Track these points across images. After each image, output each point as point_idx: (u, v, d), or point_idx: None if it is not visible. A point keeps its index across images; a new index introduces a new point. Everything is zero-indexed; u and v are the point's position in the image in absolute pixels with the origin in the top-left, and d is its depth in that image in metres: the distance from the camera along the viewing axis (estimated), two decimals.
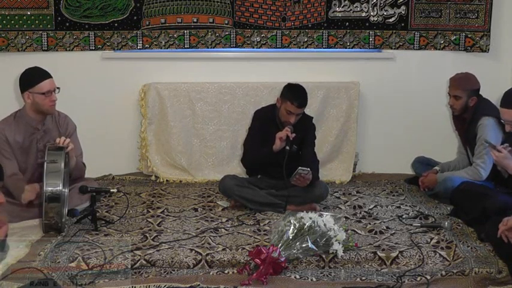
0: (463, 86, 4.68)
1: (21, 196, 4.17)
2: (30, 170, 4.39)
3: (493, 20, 5.27)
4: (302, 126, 4.68)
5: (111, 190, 4.40)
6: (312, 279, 3.61)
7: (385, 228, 4.27)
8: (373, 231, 4.22)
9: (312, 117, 4.89)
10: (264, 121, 4.74)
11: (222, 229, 4.24)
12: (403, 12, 5.34)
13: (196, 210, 4.64)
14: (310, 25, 5.35)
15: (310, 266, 3.76)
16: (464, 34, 5.33)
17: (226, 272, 3.68)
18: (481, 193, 4.12)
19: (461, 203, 4.31)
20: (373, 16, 5.35)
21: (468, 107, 4.69)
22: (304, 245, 3.75)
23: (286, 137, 4.49)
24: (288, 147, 4.49)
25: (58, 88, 4.31)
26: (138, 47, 5.28)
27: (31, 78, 4.27)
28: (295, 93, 4.58)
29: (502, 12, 5.32)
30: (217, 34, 5.31)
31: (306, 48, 5.39)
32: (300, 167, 4.41)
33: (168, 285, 3.50)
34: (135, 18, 5.23)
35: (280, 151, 4.50)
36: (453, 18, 5.33)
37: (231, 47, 5.36)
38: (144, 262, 3.73)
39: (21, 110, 4.39)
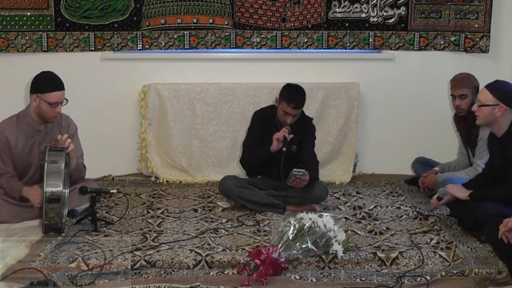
0: (467, 84, 4.70)
1: (23, 191, 4.20)
2: (32, 172, 4.38)
3: (493, 20, 5.27)
4: (302, 127, 4.68)
5: (111, 191, 4.42)
6: (311, 280, 3.60)
7: (385, 228, 4.28)
8: (373, 232, 4.22)
9: (312, 118, 4.89)
10: (263, 121, 4.74)
11: (222, 230, 4.24)
12: (402, 13, 5.34)
13: (196, 210, 4.64)
14: (310, 26, 5.35)
15: (310, 267, 3.75)
16: (464, 35, 5.33)
17: (226, 272, 3.67)
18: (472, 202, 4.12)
19: (455, 212, 4.31)
20: (373, 17, 5.35)
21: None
22: (304, 246, 3.75)
23: (283, 138, 4.50)
24: (284, 148, 4.49)
25: (66, 100, 4.32)
26: (138, 48, 5.28)
27: (44, 84, 4.26)
28: (292, 94, 4.58)
29: (502, 13, 5.32)
30: (217, 35, 5.31)
31: (305, 49, 5.39)
32: (294, 169, 4.42)
33: (168, 285, 3.50)
34: (135, 19, 5.23)
35: (277, 152, 4.51)
36: (453, 19, 5.33)
37: (231, 48, 5.36)
38: (144, 263, 3.73)
39: (25, 111, 4.39)
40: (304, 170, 4.43)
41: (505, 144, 3.98)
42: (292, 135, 4.53)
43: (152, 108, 5.34)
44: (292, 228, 3.81)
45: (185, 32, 5.30)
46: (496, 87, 4.00)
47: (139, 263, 3.72)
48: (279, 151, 4.51)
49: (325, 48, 5.40)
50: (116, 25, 5.23)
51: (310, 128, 4.81)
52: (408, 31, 5.37)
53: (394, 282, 3.60)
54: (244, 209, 4.60)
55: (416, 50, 5.41)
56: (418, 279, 3.61)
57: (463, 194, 4.12)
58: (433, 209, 4.50)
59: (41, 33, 5.17)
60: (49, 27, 5.17)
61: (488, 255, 3.79)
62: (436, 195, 4.30)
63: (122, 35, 5.25)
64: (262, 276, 3.57)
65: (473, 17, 5.29)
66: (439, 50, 5.40)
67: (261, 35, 5.34)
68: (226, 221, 4.40)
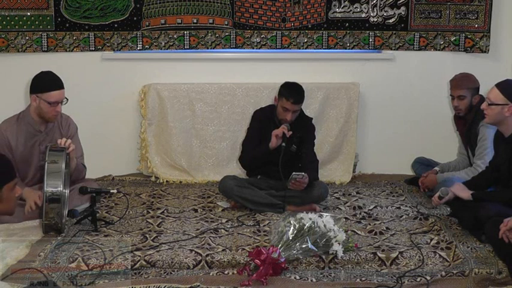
0: (466, 85, 4.70)
1: (23, 191, 4.16)
2: (32, 172, 4.39)
3: (493, 20, 5.27)
4: (302, 127, 4.69)
5: (111, 191, 4.42)
6: (311, 280, 3.61)
7: (385, 228, 4.28)
8: (373, 232, 4.22)
9: (312, 118, 4.90)
10: (263, 121, 4.75)
11: (222, 230, 4.24)
12: (402, 13, 5.34)
13: (196, 211, 4.64)
14: (310, 26, 5.35)
15: (310, 267, 3.75)
16: (464, 35, 5.33)
17: (226, 272, 3.67)
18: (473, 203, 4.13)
19: (456, 212, 4.31)
20: (373, 17, 5.35)
21: (472, 106, 4.69)
22: (304, 246, 3.75)
23: (282, 134, 4.50)
24: (284, 144, 4.50)
25: (66, 99, 4.32)
26: (138, 48, 5.28)
27: (43, 83, 4.27)
28: (291, 90, 4.62)
29: (502, 13, 5.32)
30: (217, 35, 5.31)
31: (305, 49, 5.39)
32: (294, 172, 4.43)
33: (168, 285, 3.50)
34: (135, 19, 5.23)
35: (276, 149, 4.52)
36: (453, 19, 5.33)
37: (231, 48, 5.37)
38: (144, 263, 3.73)
39: (25, 111, 4.40)
40: (303, 173, 4.44)
41: None
42: (291, 132, 4.54)
43: (152, 108, 5.34)
44: (292, 228, 3.81)
45: (185, 32, 5.30)
46: (506, 87, 3.98)
47: (139, 263, 3.72)
48: (278, 148, 4.51)
49: (325, 48, 5.40)
50: (116, 25, 5.23)
51: (309, 128, 4.81)
52: (408, 31, 5.37)
53: (394, 282, 3.60)
54: (244, 209, 4.60)
55: (416, 50, 5.41)
56: (418, 279, 3.61)
57: (465, 194, 4.11)
58: (435, 207, 4.49)
59: (41, 33, 5.17)
60: (49, 27, 5.17)
61: (488, 255, 3.79)
62: (438, 194, 4.29)
63: (121, 35, 5.25)
64: (262, 276, 3.57)
65: (473, 17, 5.29)
66: (439, 50, 5.40)
67: (261, 35, 5.34)
68: (226, 221, 4.40)
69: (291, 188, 4.49)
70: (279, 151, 4.52)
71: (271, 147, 4.54)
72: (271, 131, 4.59)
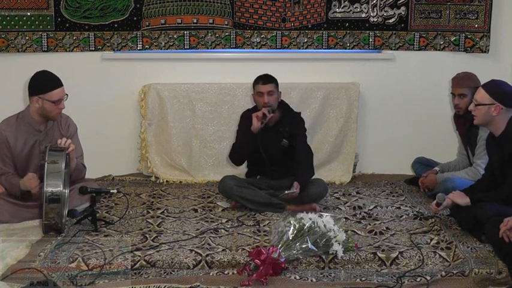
0: (467, 84, 4.70)
1: (20, 184, 4.19)
2: (32, 171, 4.38)
3: (493, 20, 5.27)
4: (290, 121, 4.73)
5: (111, 191, 4.42)
6: (311, 280, 3.61)
7: (385, 228, 4.28)
8: (373, 232, 4.22)
9: (300, 112, 4.92)
10: (250, 120, 4.75)
11: (222, 230, 4.24)
12: (402, 13, 5.34)
13: (196, 211, 4.65)
14: (310, 26, 5.35)
15: (310, 267, 3.75)
16: (464, 35, 5.33)
17: (226, 272, 3.68)
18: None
19: (455, 213, 4.31)
20: (373, 17, 5.35)
21: None
22: (304, 246, 3.75)
23: (262, 115, 4.59)
24: (264, 121, 4.59)
25: (66, 95, 4.33)
26: (138, 48, 5.28)
27: (43, 84, 4.26)
28: (258, 76, 4.75)
29: (502, 13, 5.32)
30: (217, 35, 5.31)
31: (305, 49, 5.39)
32: (286, 191, 4.51)
33: (168, 285, 3.50)
34: (135, 19, 5.23)
35: (264, 140, 4.58)
36: (453, 19, 5.33)
37: (231, 48, 5.37)
38: (144, 263, 3.73)
39: (25, 111, 4.40)
40: (294, 190, 4.50)
41: (503, 143, 3.98)
42: (272, 115, 4.61)
43: (152, 108, 5.34)
44: (292, 228, 3.82)
45: (185, 32, 5.30)
46: (491, 87, 4.02)
47: (139, 263, 3.72)
48: (264, 139, 4.57)
49: (325, 48, 5.40)
50: (116, 25, 5.23)
51: (298, 121, 4.84)
52: (408, 31, 5.37)
53: (394, 282, 3.60)
54: (244, 209, 4.60)
55: (416, 50, 5.41)
56: (418, 279, 3.62)
57: (463, 200, 4.11)
58: (434, 214, 4.47)
59: (41, 33, 5.17)
60: (49, 27, 5.17)
61: (488, 255, 3.79)
62: (435, 201, 4.28)
63: (121, 35, 5.25)
64: (262, 276, 3.57)
65: (473, 17, 5.29)
66: (439, 50, 5.40)
67: (261, 35, 5.34)
68: (226, 221, 4.41)
69: (285, 199, 4.56)
70: (268, 144, 4.59)
71: (253, 129, 4.59)
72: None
